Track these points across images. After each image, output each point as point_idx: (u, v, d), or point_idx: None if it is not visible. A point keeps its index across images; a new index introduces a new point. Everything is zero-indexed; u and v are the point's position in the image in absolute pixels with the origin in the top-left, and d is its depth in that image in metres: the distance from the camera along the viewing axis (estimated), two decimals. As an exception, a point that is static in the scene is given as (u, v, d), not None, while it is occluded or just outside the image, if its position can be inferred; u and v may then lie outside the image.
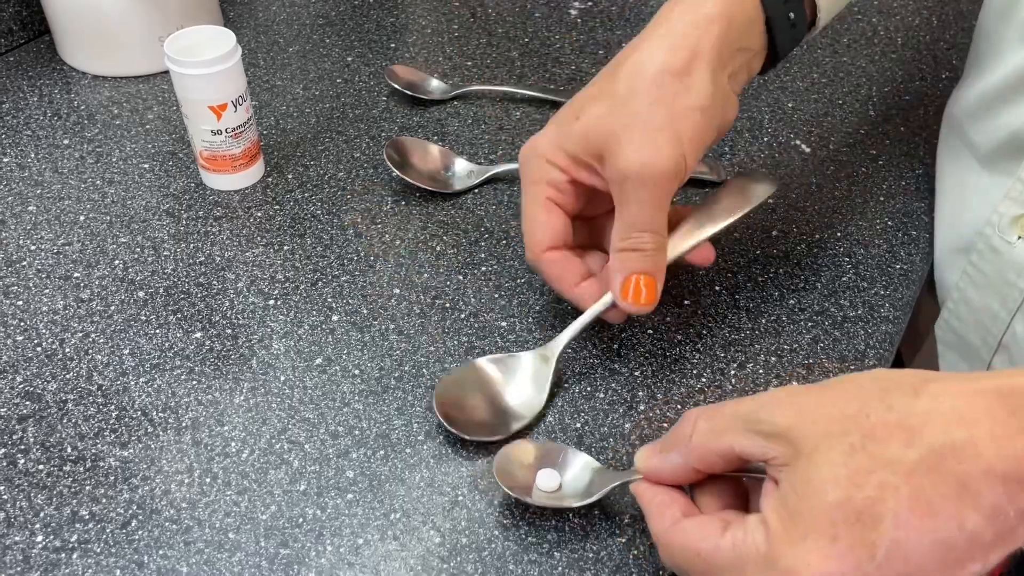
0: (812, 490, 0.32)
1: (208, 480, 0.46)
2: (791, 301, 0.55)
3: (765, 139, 0.68)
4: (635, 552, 0.43)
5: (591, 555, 0.43)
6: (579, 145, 0.47)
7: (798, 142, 0.68)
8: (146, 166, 0.65)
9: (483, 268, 0.58)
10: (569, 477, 0.44)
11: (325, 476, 0.46)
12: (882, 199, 0.63)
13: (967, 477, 0.31)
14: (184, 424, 0.48)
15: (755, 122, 0.70)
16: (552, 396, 0.49)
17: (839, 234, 0.60)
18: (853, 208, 0.62)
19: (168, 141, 0.68)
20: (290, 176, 0.64)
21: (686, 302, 0.55)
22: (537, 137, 0.49)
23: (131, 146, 0.67)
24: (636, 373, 0.51)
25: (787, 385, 0.41)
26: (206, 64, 0.57)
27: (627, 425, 0.48)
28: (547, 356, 0.49)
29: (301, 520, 0.44)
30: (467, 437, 0.47)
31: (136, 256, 0.58)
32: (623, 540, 0.43)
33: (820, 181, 0.64)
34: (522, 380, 0.49)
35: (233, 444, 0.47)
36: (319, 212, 0.61)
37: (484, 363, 0.50)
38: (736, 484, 0.40)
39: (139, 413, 0.49)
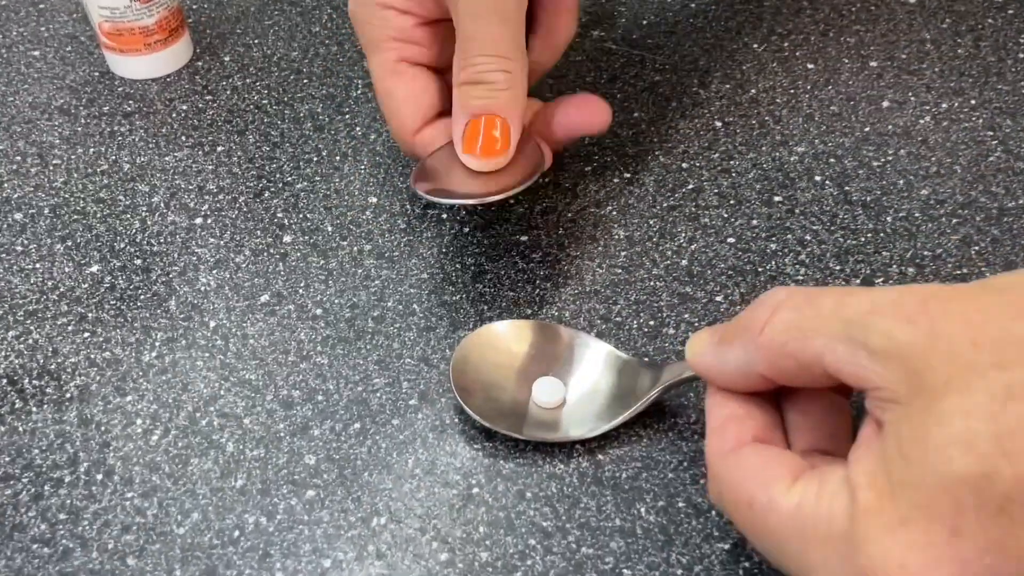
0: (931, 452, 0.20)
1: (100, 477, 0.31)
2: (924, 191, 0.40)
3: (854, -10, 0.52)
4: (746, 565, 0.28)
5: (680, 571, 0.28)
6: None
7: (898, -8, 0.51)
8: (36, 53, 0.49)
9: (491, 165, 0.42)
10: (580, 385, 0.32)
11: (273, 464, 0.31)
12: (1021, 56, 0.47)
13: None
14: (68, 395, 0.33)
15: (836, -29, 0.53)
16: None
17: (973, 102, 0.44)
18: (987, 68, 0.46)
19: (67, 21, 0.51)
20: (227, 58, 0.48)
21: (776, 199, 0.40)
22: None
23: (18, 30, 0.51)
24: (718, 298, 0.36)
25: (928, 283, 0.28)
26: None
27: (702, 385, 0.33)
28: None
29: (237, 533, 0.29)
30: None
31: (15, 167, 0.42)
32: (725, 547, 0.29)
33: (935, 37, 0.48)
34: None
35: (139, 421, 0.32)
36: (265, 102, 0.46)
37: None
38: (844, 407, 0.27)
39: (3, 381, 0.34)
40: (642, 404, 0.31)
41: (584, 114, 0.37)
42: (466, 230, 0.39)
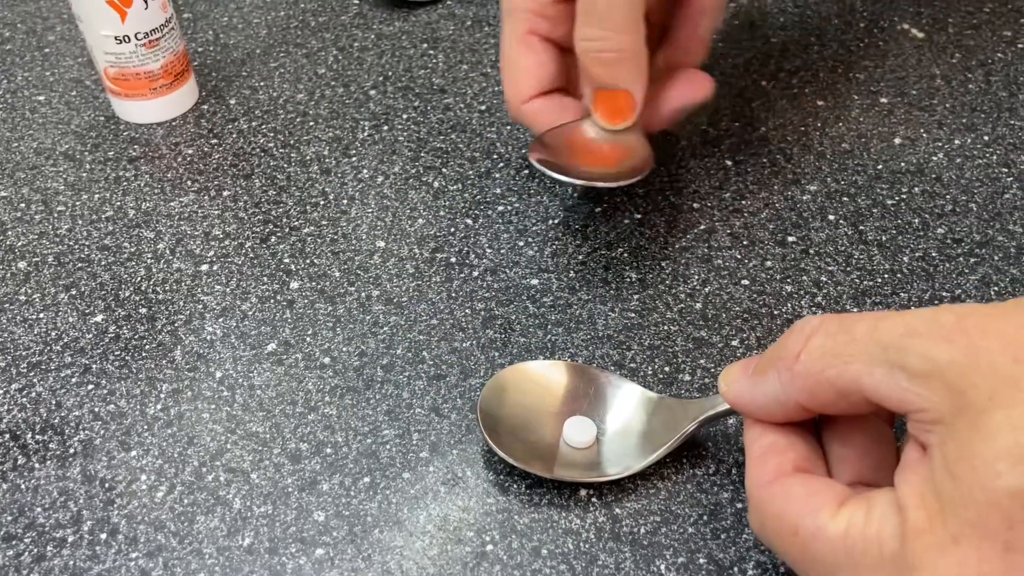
0: (979, 468, 0.20)
1: (104, 536, 0.30)
2: (940, 230, 0.39)
3: (861, 24, 0.51)
4: (772, 625, 0.27)
5: (702, 633, 0.27)
6: None
7: (906, 26, 0.51)
8: (41, 98, 0.49)
9: (500, 207, 0.41)
10: (611, 425, 0.32)
11: (281, 521, 0.30)
12: (1033, 91, 0.46)
13: None
14: (72, 450, 0.32)
15: (843, 4, 0.53)
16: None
17: (986, 138, 0.44)
18: (998, 104, 0.46)
19: (72, 66, 0.51)
20: (233, 101, 0.48)
21: (790, 239, 0.39)
22: None
23: (23, 75, 0.51)
24: (734, 343, 0.35)
25: (953, 304, 0.28)
26: (97, -62, 0.41)
27: (730, 425, 0.32)
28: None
29: (244, 596, 0.28)
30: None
31: (18, 215, 0.42)
32: (750, 605, 0.28)
33: (945, 72, 0.48)
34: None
35: (144, 477, 0.32)
36: (272, 145, 0.45)
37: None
38: (889, 436, 0.27)
39: (6, 436, 0.33)
40: (678, 439, 0.30)
41: (693, 87, 0.38)
42: (475, 274, 0.38)
